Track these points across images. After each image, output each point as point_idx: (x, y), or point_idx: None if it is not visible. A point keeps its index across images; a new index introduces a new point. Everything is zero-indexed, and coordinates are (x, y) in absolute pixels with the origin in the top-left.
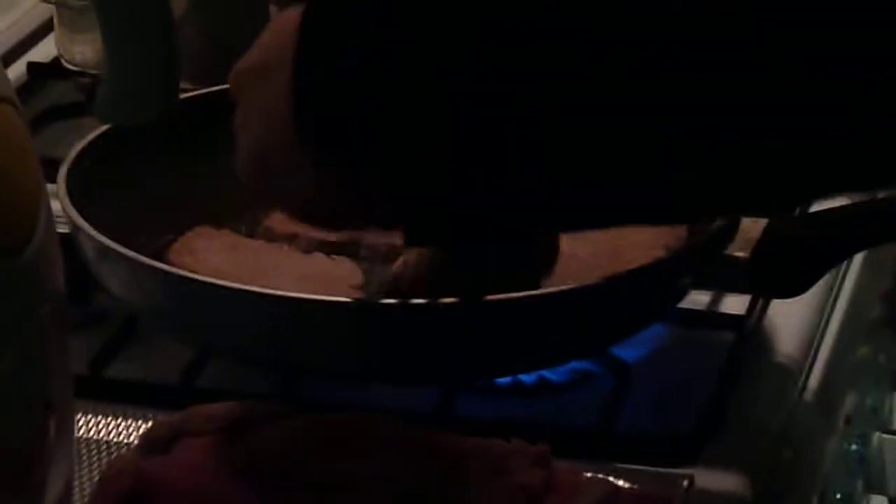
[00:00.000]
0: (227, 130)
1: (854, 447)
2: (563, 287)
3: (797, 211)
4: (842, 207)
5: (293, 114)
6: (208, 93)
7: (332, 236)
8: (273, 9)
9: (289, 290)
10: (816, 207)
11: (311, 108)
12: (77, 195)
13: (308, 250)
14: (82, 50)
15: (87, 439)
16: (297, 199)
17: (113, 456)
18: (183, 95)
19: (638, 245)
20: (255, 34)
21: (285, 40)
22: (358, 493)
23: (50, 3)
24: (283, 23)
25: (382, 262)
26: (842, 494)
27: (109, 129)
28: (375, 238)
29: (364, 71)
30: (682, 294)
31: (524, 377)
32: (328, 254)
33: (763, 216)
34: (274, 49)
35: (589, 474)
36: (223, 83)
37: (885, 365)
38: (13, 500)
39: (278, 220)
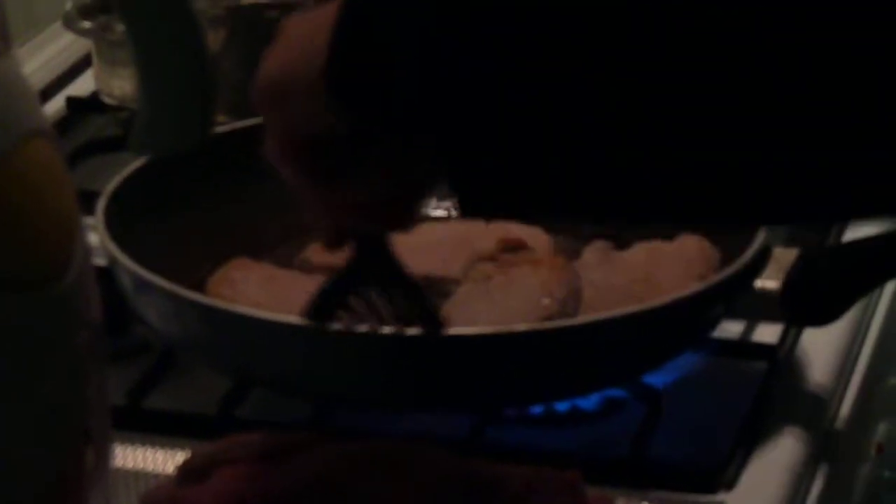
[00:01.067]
0: (266, 163)
1: (886, 475)
2: (598, 317)
3: (829, 241)
4: (872, 238)
5: (326, 71)
6: (246, 126)
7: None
8: None
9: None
10: (848, 238)
11: (346, 71)
12: (115, 228)
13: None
14: (121, 84)
15: (125, 470)
16: (299, 133)
17: (150, 486)
18: (221, 128)
19: (672, 275)
20: None
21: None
22: None
23: (88, 38)
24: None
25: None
26: None
27: (147, 163)
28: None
29: (407, 35)
30: (714, 323)
31: (557, 405)
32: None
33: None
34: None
35: (621, 501)
36: (256, 117)
37: None
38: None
39: (315, 252)
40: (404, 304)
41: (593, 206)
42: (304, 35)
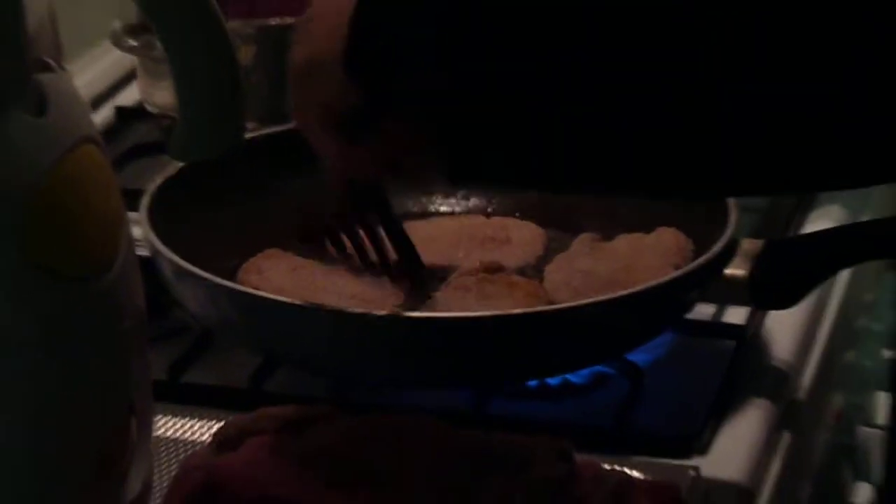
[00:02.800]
0: (291, 165)
1: (843, 441)
2: (585, 300)
3: (791, 234)
4: (829, 231)
5: (345, 56)
6: (273, 132)
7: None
8: None
9: (342, 306)
10: (807, 231)
11: (362, 55)
12: (157, 222)
13: (359, 272)
14: (162, 95)
15: (165, 438)
16: (322, 104)
17: (188, 453)
18: (250, 135)
19: (651, 264)
20: None
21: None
22: (400, 484)
23: (134, 54)
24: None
25: (425, 284)
26: (832, 482)
27: (185, 166)
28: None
29: (414, 25)
30: (689, 306)
31: (550, 380)
32: (376, 275)
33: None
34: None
35: (607, 466)
36: (286, 124)
37: (869, 368)
38: (100, 490)
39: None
40: (392, 244)
41: (576, 175)
42: (329, 17)
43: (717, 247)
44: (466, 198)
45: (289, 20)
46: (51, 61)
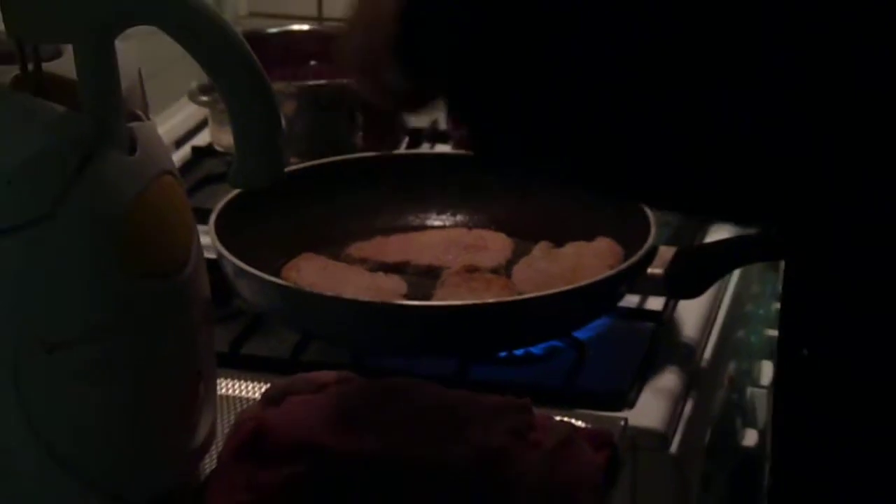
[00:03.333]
0: (322, 191)
1: (734, 398)
2: (543, 293)
3: (697, 241)
4: (726, 239)
5: (395, 46)
6: (309, 166)
7: (391, 259)
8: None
9: (358, 297)
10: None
11: (410, 44)
12: (221, 233)
13: (373, 270)
14: (227, 137)
15: (226, 396)
16: (379, 82)
17: (243, 408)
18: (291, 168)
19: (592, 265)
20: (342, 127)
21: None
22: (402, 431)
23: (205, 107)
24: None
25: (422, 280)
26: (726, 428)
27: (241, 192)
28: (418, 263)
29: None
30: (620, 297)
31: (516, 352)
32: (386, 272)
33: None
34: None
35: (557, 418)
36: (319, 160)
37: (755, 342)
38: (178, 435)
39: (354, 250)
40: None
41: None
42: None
43: (641, 252)
44: (454, 214)
45: (321, 82)
46: (139, 113)
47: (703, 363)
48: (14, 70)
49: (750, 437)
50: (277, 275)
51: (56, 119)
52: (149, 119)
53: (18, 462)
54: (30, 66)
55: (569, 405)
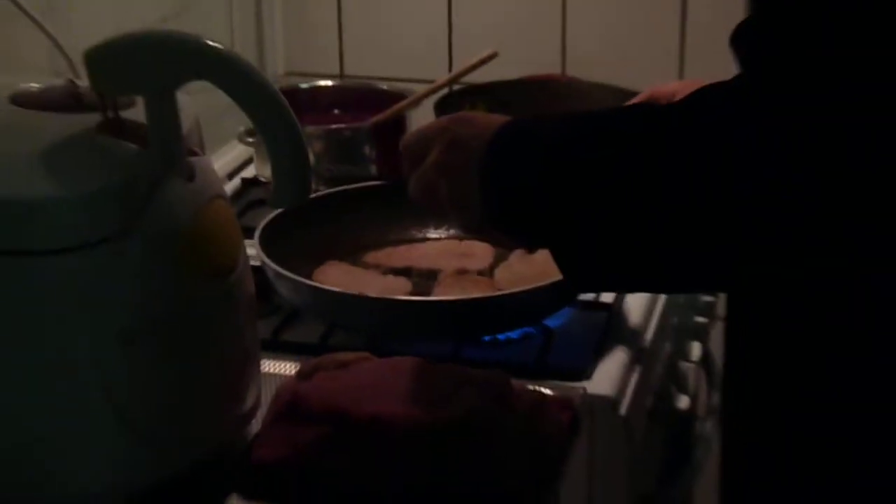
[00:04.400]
0: (344, 212)
1: (671, 371)
2: (519, 289)
3: None
4: None
5: (483, 205)
6: (334, 191)
7: (399, 265)
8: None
9: (372, 294)
10: None
11: (499, 202)
12: (264, 244)
13: (384, 273)
14: (268, 170)
15: (268, 373)
16: (469, 222)
17: (281, 382)
18: (318, 193)
19: (556, 268)
20: (359, 161)
21: (472, 149)
22: (408, 398)
23: (251, 147)
24: (464, 131)
25: (423, 281)
26: (664, 395)
27: (279, 213)
28: (420, 268)
29: (534, 189)
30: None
31: (499, 336)
32: (396, 276)
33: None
34: (462, 147)
35: (531, 387)
36: (339, 187)
37: (688, 326)
38: (229, 403)
39: (370, 257)
40: None
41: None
42: (467, 139)
43: None
44: (448, 230)
45: (342, 126)
46: (197, 150)
47: (646, 343)
48: (97, 117)
49: (683, 402)
50: (309, 277)
51: (130, 155)
52: (204, 154)
53: (98, 430)
54: (110, 114)
55: (539, 377)
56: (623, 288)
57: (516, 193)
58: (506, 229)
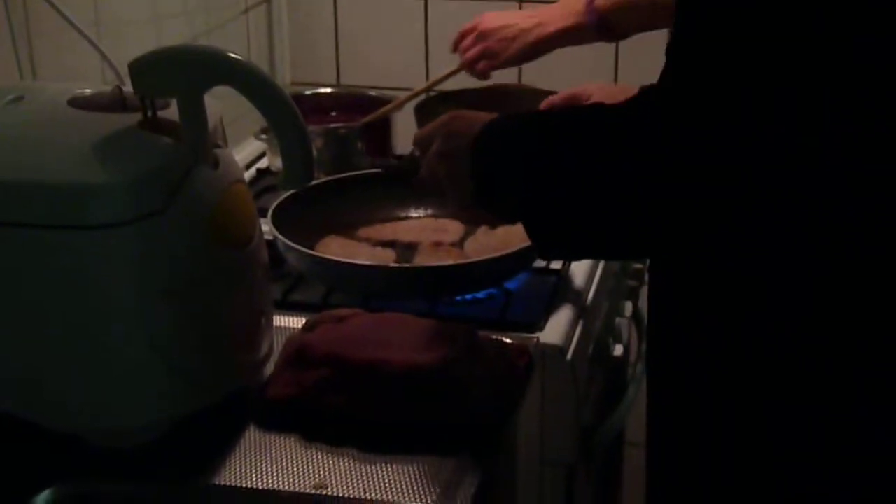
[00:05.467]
0: (340, 195)
1: (608, 323)
2: (486, 256)
3: None
4: None
5: (473, 187)
6: (331, 178)
7: (385, 238)
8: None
9: (364, 262)
10: None
11: (485, 185)
12: (276, 222)
13: (374, 245)
14: (278, 161)
15: (280, 327)
16: (462, 200)
17: (289, 334)
18: (319, 180)
19: (514, 241)
20: (352, 153)
21: (465, 141)
22: (393, 346)
23: (265, 143)
24: (459, 124)
25: (406, 251)
26: (602, 344)
27: (287, 195)
28: (403, 241)
29: (515, 172)
30: (532, 260)
31: (468, 296)
32: (383, 247)
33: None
34: (457, 137)
35: (494, 337)
36: (337, 175)
37: (618, 289)
38: (248, 351)
39: (362, 232)
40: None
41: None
42: (462, 131)
43: None
44: (426, 209)
45: (339, 125)
46: (220, 143)
47: (588, 302)
48: (139, 116)
49: (617, 350)
50: (312, 248)
51: (166, 147)
52: (226, 146)
53: (143, 371)
54: (149, 114)
55: (501, 329)
56: (577, 255)
57: (498, 177)
58: (489, 206)
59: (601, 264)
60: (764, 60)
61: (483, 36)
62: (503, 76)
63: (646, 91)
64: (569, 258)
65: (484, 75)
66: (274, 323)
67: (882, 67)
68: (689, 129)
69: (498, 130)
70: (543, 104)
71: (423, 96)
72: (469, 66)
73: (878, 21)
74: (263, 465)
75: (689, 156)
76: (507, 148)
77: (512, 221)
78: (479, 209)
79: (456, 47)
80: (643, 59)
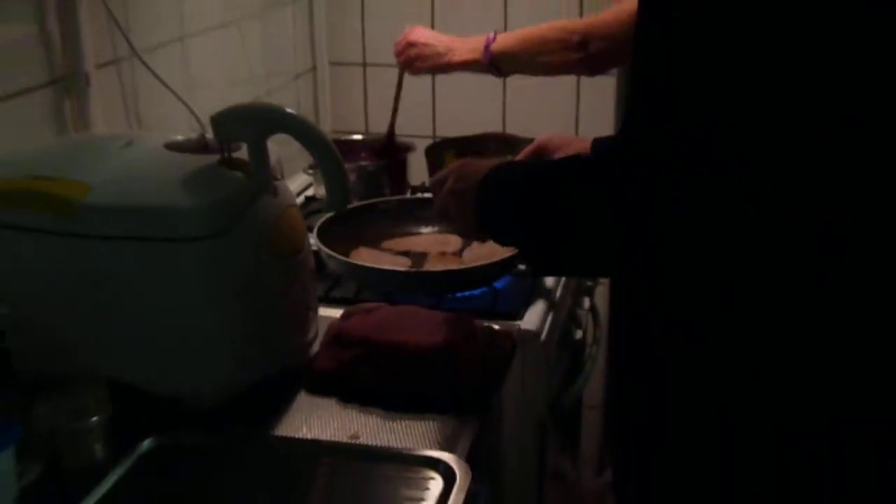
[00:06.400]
0: (369, 215)
1: (573, 313)
2: (479, 263)
3: None
4: None
5: (476, 221)
6: (362, 203)
7: (402, 249)
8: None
9: (386, 267)
10: None
11: (486, 220)
12: (320, 236)
13: (395, 255)
14: (322, 191)
15: (322, 316)
16: (466, 231)
17: (330, 322)
18: (353, 205)
19: (501, 253)
20: (378, 185)
21: (470, 184)
22: (407, 331)
23: (311, 176)
24: (467, 170)
25: (418, 259)
26: (567, 330)
27: (329, 216)
28: (416, 251)
29: (508, 213)
30: (514, 267)
31: (466, 293)
32: (401, 256)
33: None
34: (465, 181)
35: (485, 324)
36: (367, 201)
37: (579, 288)
38: (299, 335)
39: (385, 244)
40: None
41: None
42: (472, 178)
43: None
44: (434, 227)
45: (367, 163)
46: (278, 176)
47: (556, 298)
48: (217, 156)
49: (578, 334)
50: (347, 257)
51: (237, 180)
52: (283, 179)
53: (218, 349)
54: (226, 154)
55: (490, 318)
56: (558, 274)
57: (496, 216)
58: (490, 235)
59: None
60: (704, 117)
61: (411, 45)
62: (491, 125)
63: (599, 139)
64: (552, 275)
65: (417, 73)
66: (318, 314)
67: (822, 108)
68: (644, 172)
69: (498, 178)
70: (520, 155)
71: (430, 141)
72: (407, 66)
73: (820, 60)
74: (310, 420)
75: (644, 194)
76: (504, 193)
77: (506, 245)
78: (479, 238)
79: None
80: (597, 111)
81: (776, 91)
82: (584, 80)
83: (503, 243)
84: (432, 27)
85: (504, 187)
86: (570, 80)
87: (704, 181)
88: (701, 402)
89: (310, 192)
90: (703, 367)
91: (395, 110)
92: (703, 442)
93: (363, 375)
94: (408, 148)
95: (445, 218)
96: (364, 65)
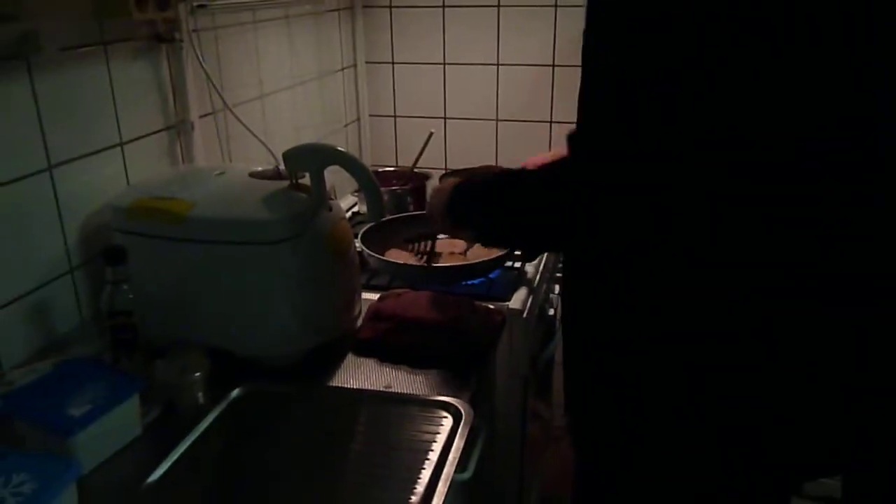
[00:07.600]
0: (399, 226)
1: (545, 297)
2: (478, 260)
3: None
4: None
5: (449, 219)
6: (393, 217)
7: (422, 250)
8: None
9: (410, 263)
10: None
11: (455, 216)
12: (363, 240)
13: (417, 255)
14: (364, 207)
15: (364, 299)
16: (442, 228)
17: (370, 303)
18: (387, 217)
19: (496, 252)
20: (405, 203)
21: (445, 194)
22: (426, 308)
23: (356, 197)
24: (444, 185)
25: (434, 257)
26: (543, 310)
27: (370, 225)
28: (435, 251)
29: (475, 215)
30: (504, 262)
31: (468, 283)
32: (422, 255)
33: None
34: (441, 192)
35: (483, 304)
36: (397, 215)
37: (553, 277)
38: (348, 311)
39: (410, 247)
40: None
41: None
42: (443, 194)
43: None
44: (446, 235)
45: (397, 188)
46: (333, 197)
47: (535, 285)
48: (288, 182)
49: (551, 312)
50: (382, 255)
51: (303, 199)
52: (336, 199)
53: (292, 321)
54: (294, 181)
55: (487, 300)
56: (508, 249)
57: (463, 218)
58: (459, 234)
59: (541, 265)
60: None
61: None
62: (487, 160)
63: (555, 166)
64: (503, 249)
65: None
66: (362, 297)
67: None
68: (589, 161)
69: (464, 189)
70: None
71: (442, 171)
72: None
73: (738, 73)
74: (357, 374)
75: (589, 184)
76: (468, 199)
77: (472, 241)
78: (452, 234)
79: None
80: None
81: (712, 82)
82: (565, 126)
83: (468, 238)
84: (444, 93)
85: (468, 195)
86: (547, 127)
87: (646, 172)
88: (616, 344)
89: (356, 209)
90: (619, 319)
91: (419, 155)
92: (614, 369)
93: (394, 342)
94: (426, 177)
95: (431, 220)
96: (395, 116)
